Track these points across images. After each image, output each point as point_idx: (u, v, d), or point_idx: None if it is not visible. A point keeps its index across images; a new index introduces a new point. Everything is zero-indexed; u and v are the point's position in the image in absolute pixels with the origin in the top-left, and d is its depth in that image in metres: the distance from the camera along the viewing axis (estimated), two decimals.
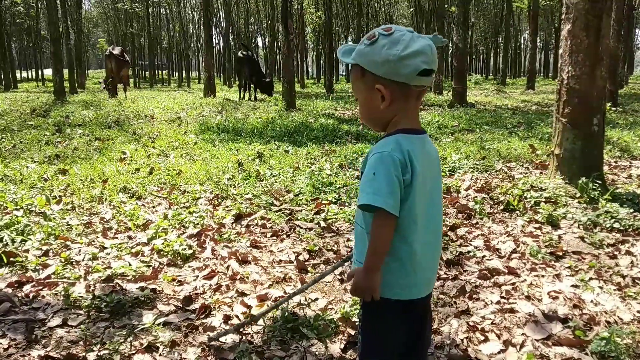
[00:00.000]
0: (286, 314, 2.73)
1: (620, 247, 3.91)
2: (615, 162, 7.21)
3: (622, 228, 4.25)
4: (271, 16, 28.69)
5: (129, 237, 4.09)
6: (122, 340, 2.54)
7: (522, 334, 2.62)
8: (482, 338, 2.57)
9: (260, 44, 69.76)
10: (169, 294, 3.10)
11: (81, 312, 2.86)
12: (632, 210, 4.60)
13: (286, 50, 14.14)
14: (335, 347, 2.48)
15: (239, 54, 20.41)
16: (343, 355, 2.43)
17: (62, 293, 3.04)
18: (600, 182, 5.27)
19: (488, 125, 10.88)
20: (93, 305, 2.89)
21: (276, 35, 30.00)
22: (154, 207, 5.05)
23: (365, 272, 1.64)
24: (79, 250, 3.78)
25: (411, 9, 49.98)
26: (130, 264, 3.49)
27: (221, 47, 57.05)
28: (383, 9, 55.17)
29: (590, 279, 3.27)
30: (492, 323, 2.74)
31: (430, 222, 1.74)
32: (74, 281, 3.23)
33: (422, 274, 1.74)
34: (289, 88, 14.27)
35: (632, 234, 4.16)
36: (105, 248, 3.85)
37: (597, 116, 5.46)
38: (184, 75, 51.51)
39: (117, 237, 4.12)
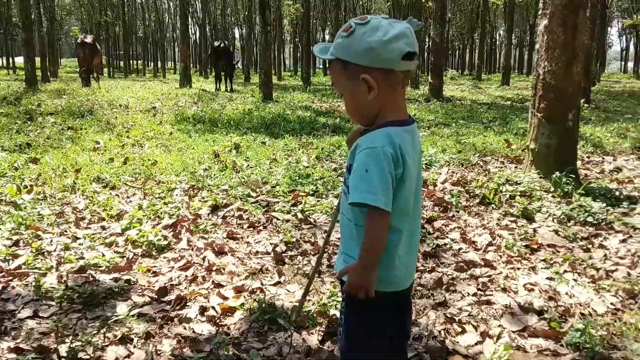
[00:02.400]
0: (263, 305, 2.71)
1: (594, 240, 3.97)
2: (588, 157, 7.32)
3: (595, 222, 4.30)
4: (248, 7, 28.43)
5: (103, 228, 4.02)
6: (95, 332, 2.49)
7: (499, 325, 2.64)
8: (460, 330, 2.57)
9: (237, 35, 69.29)
10: (144, 285, 3.05)
11: (53, 303, 2.79)
12: (604, 204, 4.66)
13: (264, 41, 14.04)
14: (313, 339, 2.46)
15: (216, 44, 20.20)
16: (321, 346, 2.41)
17: (33, 284, 2.97)
18: (574, 176, 5.34)
19: (464, 120, 10.96)
20: (65, 296, 2.82)
21: (253, 27, 29.74)
22: (128, 197, 4.97)
23: (361, 269, 1.60)
24: (51, 241, 3.70)
25: (388, 3, 50.10)
26: (103, 255, 3.42)
27: (197, 37, 56.51)
28: (361, 3, 55.17)
29: (565, 271, 3.30)
30: (469, 315, 2.75)
31: (415, 213, 1.74)
32: (45, 272, 3.15)
33: (407, 264, 1.73)
34: (266, 80, 14.19)
35: (604, 228, 4.22)
36: (78, 238, 3.77)
37: (572, 111, 5.52)
38: (159, 65, 50.84)
39: (90, 228, 4.04)
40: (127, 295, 2.91)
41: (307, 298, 2.90)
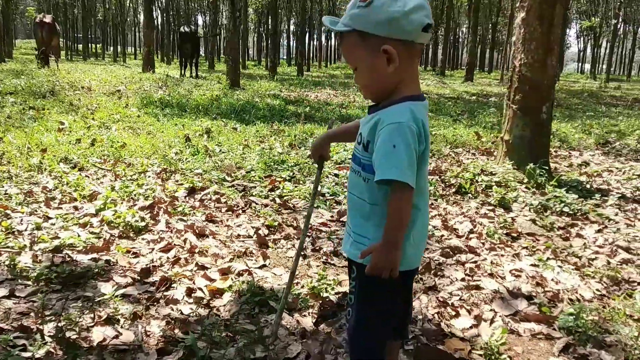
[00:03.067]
0: (252, 287, 2.63)
1: (571, 230, 4.02)
2: (556, 151, 7.45)
3: (571, 212, 4.37)
4: None
5: (75, 208, 3.85)
6: (79, 312, 2.37)
7: (491, 309, 2.63)
8: (453, 313, 2.56)
9: (200, 22, 68.26)
10: (125, 266, 2.93)
11: (29, 283, 2.65)
12: (577, 196, 4.75)
13: (232, 28, 13.81)
14: (307, 321, 2.40)
15: (182, 29, 19.79)
16: (316, 328, 2.36)
17: (7, 263, 2.81)
18: (547, 168, 5.42)
19: (433, 113, 11.03)
20: (43, 276, 2.68)
21: (218, 13, 29.32)
22: (98, 178, 4.80)
23: (387, 248, 1.55)
24: (21, 220, 3.52)
25: None
26: (79, 235, 3.28)
27: (159, 22, 55.35)
28: None
29: (548, 258, 3.34)
30: (460, 299, 2.74)
31: (427, 190, 1.71)
32: (19, 251, 3.00)
33: (420, 243, 1.70)
34: (233, 66, 13.98)
35: (580, 218, 4.29)
36: (50, 218, 3.61)
37: (547, 104, 5.60)
38: (119, 50, 49.59)
39: (61, 208, 3.87)
40: (107, 276, 2.79)
41: (295, 281, 2.85)
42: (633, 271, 3.19)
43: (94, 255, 3.02)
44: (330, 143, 2.05)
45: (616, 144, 8.19)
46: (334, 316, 2.48)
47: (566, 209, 4.40)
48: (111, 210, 3.71)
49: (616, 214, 4.42)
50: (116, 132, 6.95)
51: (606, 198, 4.81)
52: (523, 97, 5.55)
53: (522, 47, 5.52)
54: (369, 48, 1.57)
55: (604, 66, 45.25)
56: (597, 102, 16.05)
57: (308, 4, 36.70)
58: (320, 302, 2.59)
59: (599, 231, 4.02)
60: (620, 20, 38.61)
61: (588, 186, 5.22)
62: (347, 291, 2.52)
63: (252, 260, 3.15)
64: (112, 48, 51.79)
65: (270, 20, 27.49)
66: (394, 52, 1.54)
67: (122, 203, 3.97)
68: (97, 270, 2.81)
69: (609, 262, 3.34)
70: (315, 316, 2.46)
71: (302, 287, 2.78)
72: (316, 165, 2.03)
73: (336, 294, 2.70)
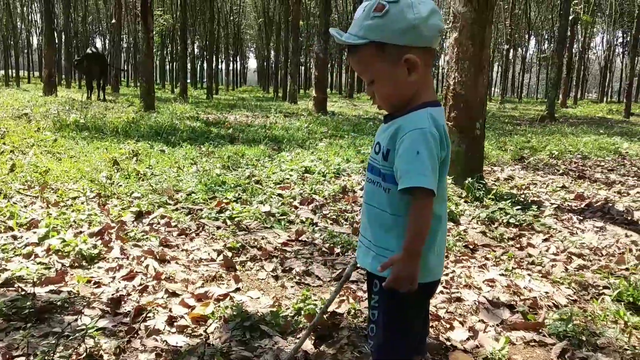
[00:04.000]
0: (240, 312, 2.48)
1: (521, 240, 4.16)
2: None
3: (517, 223, 4.53)
4: (118, 14, 27.17)
5: (14, 237, 3.51)
6: (51, 350, 2.12)
7: (480, 320, 2.64)
8: (448, 326, 2.53)
9: (99, 44, 65.98)
10: (89, 297, 2.68)
11: None
12: (518, 207, 4.93)
13: (145, 49, 13.38)
14: (307, 343, 2.28)
15: (89, 51, 18.96)
16: (318, 350, 2.25)
17: None
18: (483, 182, 5.62)
19: (355, 132, 11.19)
20: (1, 313, 2.39)
21: (122, 34, 28.41)
22: (25, 206, 4.41)
23: (408, 258, 1.50)
24: None
25: (260, 20, 50.50)
26: (27, 267, 2.97)
27: (57, 44, 52.78)
28: (231, 17, 54.98)
29: (514, 268, 3.41)
30: (447, 311, 2.72)
31: (446, 198, 1.67)
32: None
33: (442, 252, 1.66)
34: (147, 88, 13.53)
35: (527, 229, 4.45)
36: None
37: (479, 121, 5.82)
38: (10, 73, 46.68)
39: None
40: (73, 309, 2.53)
41: (276, 303, 2.72)
42: (592, 276, 3.34)
43: (51, 287, 2.74)
44: None
45: (531, 159, 8.66)
46: (330, 337, 2.39)
47: (512, 220, 4.56)
48: (57, 238, 3.41)
49: (555, 223, 4.63)
50: (34, 157, 6.47)
51: (543, 209, 5.03)
52: (458, 114, 5.74)
53: (455, 66, 5.72)
54: (388, 59, 1.52)
55: (497, 89, 48.10)
56: (503, 122, 16.98)
57: (215, 27, 36.43)
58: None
59: (546, 240, 4.18)
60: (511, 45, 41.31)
61: (522, 199, 5.44)
62: (339, 312, 2.45)
63: (224, 284, 2.99)
64: (2, 71, 48.59)
65: (176, 44, 26.94)
66: (416, 60, 1.51)
67: (66, 231, 3.65)
68: (59, 303, 2.55)
69: (566, 269, 3.47)
70: (314, 337, 2.35)
71: (287, 308, 2.66)
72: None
73: (324, 313, 2.60)
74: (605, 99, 51.92)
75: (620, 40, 58.07)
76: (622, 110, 23.61)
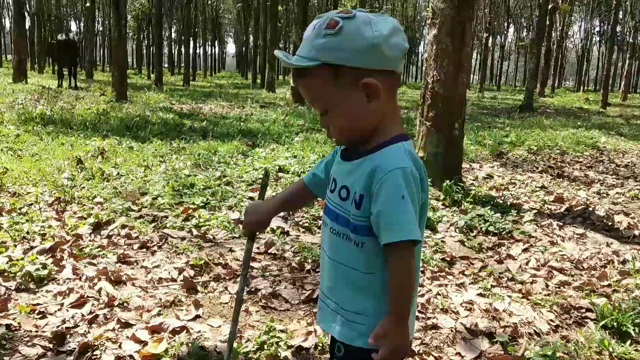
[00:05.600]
0: (195, 349, 2.27)
1: (500, 250, 4.01)
2: None
3: (496, 231, 4.38)
4: None
5: None
6: None
7: (457, 353, 2.46)
8: None
9: (73, 28, 64.61)
10: (31, 331, 2.44)
11: None
12: (498, 213, 4.77)
13: (117, 36, 12.96)
14: None
15: (60, 37, 18.37)
16: None
17: None
18: (461, 185, 5.45)
19: None
20: None
21: (95, 20, 27.73)
22: None
23: (400, 323, 1.29)
24: None
25: (238, 5, 49.73)
26: None
27: (28, 28, 51.51)
28: (209, 2, 54.12)
29: (492, 286, 3.25)
30: (422, 343, 2.54)
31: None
32: None
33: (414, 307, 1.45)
34: (119, 78, 13.12)
35: (506, 237, 4.30)
36: None
37: (458, 121, 5.64)
38: None
39: None
40: (11, 346, 2.29)
41: (238, 335, 2.51)
42: (574, 294, 3.18)
43: None
44: (271, 218, 1.66)
45: (509, 155, 8.54)
46: None
47: (491, 228, 4.40)
48: (4, 256, 3.14)
49: (535, 230, 4.48)
50: None
51: (522, 214, 4.88)
52: (436, 113, 5.55)
53: (434, 64, 5.52)
54: (344, 84, 1.28)
55: (476, 77, 48.12)
56: (481, 113, 16.89)
57: (193, 12, 35.76)
58: None
59: (526, 250, 4.04)
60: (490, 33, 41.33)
61: (501, 201, 5.29)
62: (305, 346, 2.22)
63: (182, 310, 2.77)
64: None
65: (152, 28, 26.34)
66: (376, 85, 1.27)
67: (15, 246, 3.39)
68: None
69: (547, 286, 3.32)
70: None
71: (248, 340, 2.45)
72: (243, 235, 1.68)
73: (289, 347, 2.40)
74: (582, 87, 52.31)
75: (597, 29, 58.53)
76: (600, 100, 23.73)
